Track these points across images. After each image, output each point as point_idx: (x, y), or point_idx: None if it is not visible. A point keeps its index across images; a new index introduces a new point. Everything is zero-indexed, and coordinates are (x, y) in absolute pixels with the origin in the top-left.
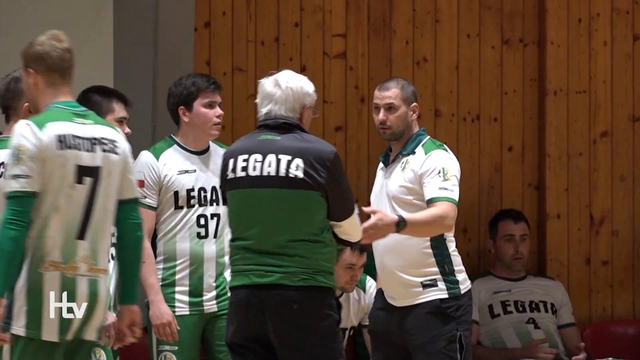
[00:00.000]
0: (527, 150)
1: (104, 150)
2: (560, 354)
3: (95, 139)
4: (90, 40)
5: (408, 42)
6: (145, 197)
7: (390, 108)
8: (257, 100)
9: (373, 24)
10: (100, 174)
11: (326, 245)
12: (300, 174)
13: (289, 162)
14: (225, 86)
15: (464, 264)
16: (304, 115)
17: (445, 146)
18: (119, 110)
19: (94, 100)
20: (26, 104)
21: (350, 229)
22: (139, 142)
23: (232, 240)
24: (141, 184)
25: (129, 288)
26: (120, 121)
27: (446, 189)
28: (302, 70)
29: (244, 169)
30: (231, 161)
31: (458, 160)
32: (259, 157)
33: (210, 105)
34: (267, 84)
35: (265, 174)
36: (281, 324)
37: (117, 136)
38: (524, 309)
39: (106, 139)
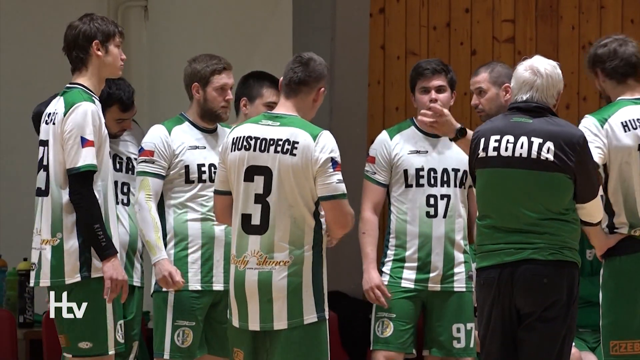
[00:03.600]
0: None
1: None
2: None
3: None
4: (270, 27)
5: (574, 28)
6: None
7: (480, 92)
8: (513, 86)
9: (541, 9)
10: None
11: (572, 224)
12: (551, 157)
13: (541, 145)
14: (399, 69)
15: None
16: (557, 99)
17: None
18: (268, 95)
19: (248, 84)
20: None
21: (593, 210)
22: (317, 122)
23: (479, 218)
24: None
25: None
26: (270, 106)
27: None
28: (472, 55)
29: (496, 149)
30: (482, 140)
31: None
32: (511, 138)
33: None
34: (524, 71)
35: (517, 154)
36: (530, 296)
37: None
38: None
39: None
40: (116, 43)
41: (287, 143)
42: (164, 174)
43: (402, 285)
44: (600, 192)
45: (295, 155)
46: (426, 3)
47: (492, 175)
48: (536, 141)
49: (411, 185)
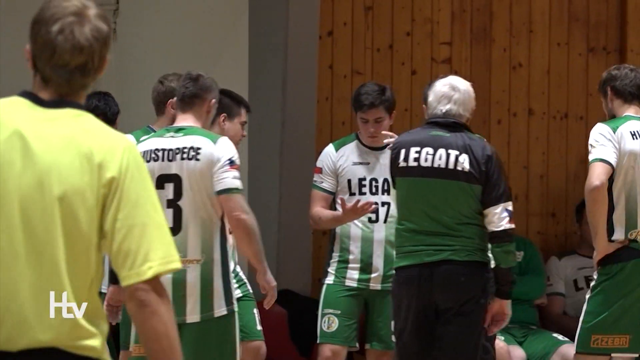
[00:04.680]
0: None
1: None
2: None
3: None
4: (229, 48)
5: (505, 50)
6: None
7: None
8: (431, 100)
9: (475, 33)
10: None
11: (482, 228)
12: (466, 167)
13: (457, 157)
14: (345, 87)
15: (553, 245)
16: (470, 115)
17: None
18: (244, 115)
19: (227, 102)
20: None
21: (494, 217)
22: (269, 136)
23: (399, 223)
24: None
25: None
26: (243, 124)
27: None
28: (412, 74)
29: (416, 159)
30: (403, 151)
31: (550, 153)
32: (430, 150)
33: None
34: (442, 86)
35: (436, 165)
36: (449, 293)
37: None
38: None
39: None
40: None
41: (191, 150)
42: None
43: (346, 284)
44: (508, 205)
45: (199, 160)
46: (370, 26)
47: (412, 184)
48: (453, 153)
49: (354, 194)
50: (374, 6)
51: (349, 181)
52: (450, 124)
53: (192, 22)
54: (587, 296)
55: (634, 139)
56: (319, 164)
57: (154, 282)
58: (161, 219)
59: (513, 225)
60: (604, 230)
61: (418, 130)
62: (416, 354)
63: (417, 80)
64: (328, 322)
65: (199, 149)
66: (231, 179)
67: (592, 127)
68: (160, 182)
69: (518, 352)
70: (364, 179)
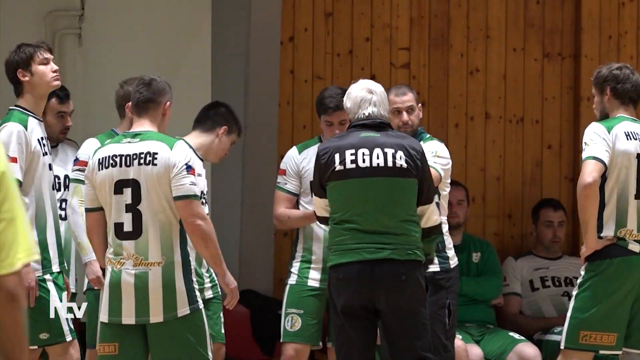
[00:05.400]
0: (563, 148)
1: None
2: None
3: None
4: (192, 53)
5: (463, 55)
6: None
7: (410, 109)
8: (351, 106)
9: (433, 39)
10: None
11: (418, 225)
12: (404, 164)
13: (394, 154)
14: (306, 91)
15: (510, 246)
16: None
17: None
18: (235, 137)
19: (229, 118)
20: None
21: (431, 214)
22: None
23: (337, 223)
24: None
25: None
26: (232, 143)
27: (435, 162)
28: (372, 79)
29: (353, 161)
30: (337, 155)
31: (506, 156)
32: (366, 151)
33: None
34: (360, 90)
35: (374, 165)
36: (392, 292)
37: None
38: (560, 283)
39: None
40: (39, 62)
41: (148, 155)
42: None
43: (309, 284)
44: (436, 199)
45: (156, 165)
46: (331, 32)
47: (351, 185)
48: (389, 151)
49: None
50: (334, 12)
51: (312, 183)
52: (377, 124)
53: (156, 28)
54: (574, 292)
55: (628, 139)
56: (282, 166)
57: (20, 273)
58: (23, 212)
59: (443, 217)
60: (594, 227)
61: (345, 134)
62: (356, 343)
63: None
64: (291, 321)
65: (155, 154)
66: (188, 185)
67: (547, 131)
68: (119, 187)
69: (476, 350)
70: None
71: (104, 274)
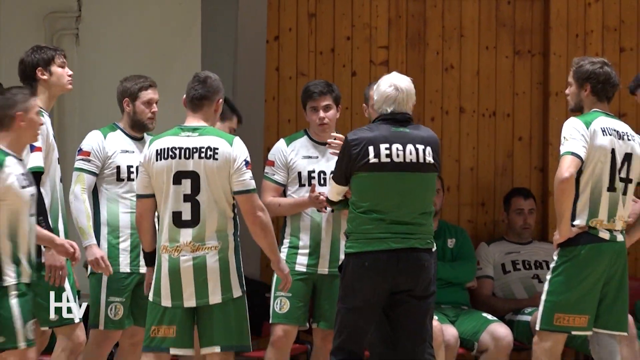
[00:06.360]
0: (533, 140)
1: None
2: None
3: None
4: (183, 51)
5: (438, 53)
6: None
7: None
8: (377, 99)
9: (410, 38)
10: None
11: (432, 216)
12: (431, 160)
13: (423, 150)
14: (291, 88)
15: (483, 232)
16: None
17: None
18: (234, 123)
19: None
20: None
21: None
22: None
23: (364, 212)
24: None
25: None
26: (231, 130)
27: None
28: (352, 75)
29: (388, 155)
30: (371, 148)
31: (479, 148)
32: (400, 146)
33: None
34: (387, 87)
35: (407, 160)
36: (414, 277)
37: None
38: (530, 267)
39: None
40: (59, 64)
41: (209, 150)
42: (97, 172)
43: (296, 269)
44: None
45: (217, 159)
46: (314, 32)
47: (385, 178)
48: (420, 148)
49: (304, 185)
50: (317, 13)
51: (299, 173)
52: (407, 119)
53: (149, 28)
54: (548, 277)
55: (604, 135)
56: (271, 157)
57: None
58: None
59: None
60: (568, 217)
61: (376, 125)
62: (362, 329)
63: (357, 82)
64: (280, 304)
65: (216, 149)
66: (248, 180)
67: (518, 124)
68: (178, 178)
69: (451, 330)
70: (313, 171)
71: (153, 262)
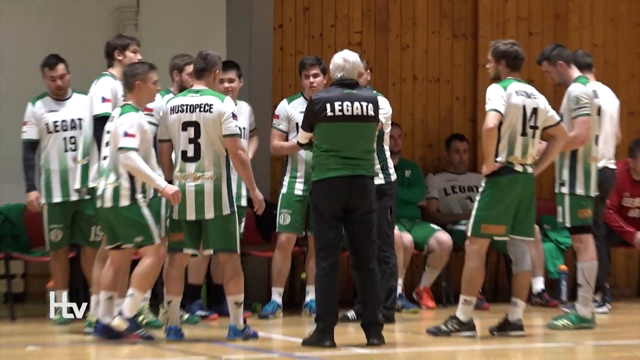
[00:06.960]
0: (467, 99)
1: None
2: None
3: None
4: (212, 34)
5: (398, 36)
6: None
7: (359, 75)
8: (332, 68)
9: (378, 25)
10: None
11: (373, 153)
12: (372, 113)
13: (366, 106)
14: (291, 62)
15: (430, 166)
16: (358, 77)
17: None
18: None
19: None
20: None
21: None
22: (241, 95)
23: (324, 151)
24: None
25: None
26: (221, 80)
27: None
28: (335, 53)
29: (340, 110)
30: (328, 105)
31: (428, 105)
32: (349, 103)
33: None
34: (339, 59)
35: (355, 113)
36: (361, 197)
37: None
38: (464, 190)
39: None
40: (132, 50)
41: (206, 106)
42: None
43: (295, 192)
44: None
45: (212, 112)
46: (307, 21)
47: (338, 126)
48: (364, 104)
49: None
50: (310, 6)
51: (297, 124)
52: (354, 83)
53: (189, 19)
54: (477, 198)
55: (517, 95)
56: (277, 112)
57: None
58: None
59: (387, 146)
60: (492, 155)
61: (332, 88)
62: (332, 239)
63: None
64: (284, 218)
65: (212, 105)
66: (233, 127)
67: (455, 87)
68: (185, 126)
69: (407, 236)
70: None
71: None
